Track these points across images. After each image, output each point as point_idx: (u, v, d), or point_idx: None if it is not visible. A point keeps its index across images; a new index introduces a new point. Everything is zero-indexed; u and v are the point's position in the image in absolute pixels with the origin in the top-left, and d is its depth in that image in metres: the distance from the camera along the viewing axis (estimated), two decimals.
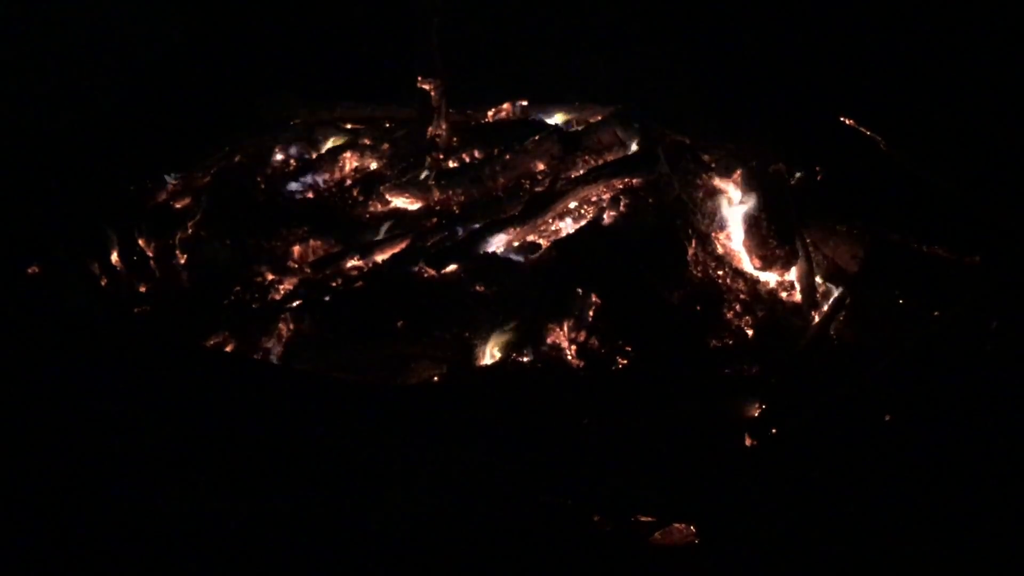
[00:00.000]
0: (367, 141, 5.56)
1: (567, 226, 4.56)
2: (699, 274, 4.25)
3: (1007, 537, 2.89)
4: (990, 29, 6.07)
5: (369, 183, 5.21)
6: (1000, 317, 3.76)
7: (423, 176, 5.07)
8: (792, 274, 4.35)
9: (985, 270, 4.09)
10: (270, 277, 4.53)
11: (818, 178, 4.84)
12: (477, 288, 4.14)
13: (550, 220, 4.58)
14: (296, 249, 4.70)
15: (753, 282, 4.33)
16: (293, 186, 5.27)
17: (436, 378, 3.72)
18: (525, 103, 5.93)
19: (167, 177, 5.29)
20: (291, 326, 4.07)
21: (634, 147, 4.89)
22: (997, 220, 4.42)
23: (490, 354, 3.79)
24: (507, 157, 5.04)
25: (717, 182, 4.85)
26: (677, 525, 2.93)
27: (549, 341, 3.84)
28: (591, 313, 3.90)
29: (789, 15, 6.80)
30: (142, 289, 4.57)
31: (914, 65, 6.00)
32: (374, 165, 5.43)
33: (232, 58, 6.75)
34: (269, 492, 3.00)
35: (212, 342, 4.04)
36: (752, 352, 3.88)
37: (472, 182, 4.98)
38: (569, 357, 3.80)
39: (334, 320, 4.06)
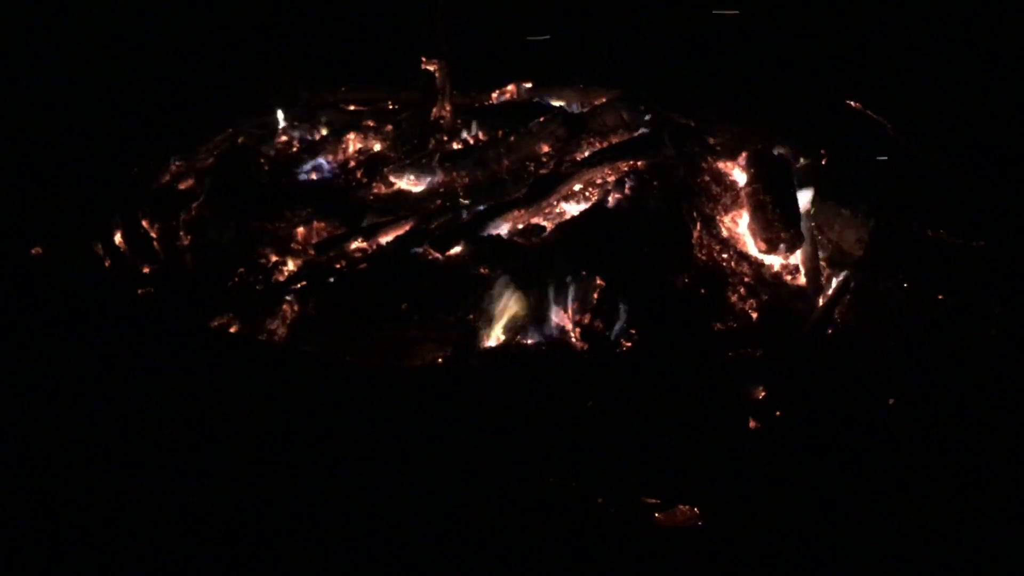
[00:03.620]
0: (371, 123, 5.55)
1: (572, 209, 4.56)
2: (704, 257, 4.25)
3: (1011, 518, 2.90)
4: (996, 14, 6.03)
5: (373, 165, 5.20)
6: (1005, 301, 3.75)
7: (427, 158, 5.06)
8: (797, 258, 4.34)
9: (990, 254, 4.09)
10: (274, 259, 4.52)
11: (823, 162, 4.82)
12: (481, 270, 4.14)
13: (555, 202, 4.57)
14: (300, 231, 4.70)
15: (758, 265, 4.32)
16: (297, 168, 5.26)
17: (440, 360, 3.73)
18: (530, 85, 5.92)
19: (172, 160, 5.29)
20: (295, 308, 4.07)
21: (639, 130, 4.88)
22: (1002, 204, 4.41)
23: (494, 337, 3.79)
24: (512, 139, 5.04)
25: (722, 165, 4.85)
26: (681, 507, 2.94)
27: (554, 324, 3.84)
28: (595, 296, 3.89)
29: None
30: (146, 271, 4.56)
31: (921, 49, 5.97)
32: (378, 147, 5.42)
33: (235, 40, 6.72)
34: (273, 475, 3.01)
35: (216, 324, 4.04)
36: (756, 335, 3.88)
37: (477, 164, 4.98)
38: (573, 340, 3.80)
39: (338, 302, 4.07)
